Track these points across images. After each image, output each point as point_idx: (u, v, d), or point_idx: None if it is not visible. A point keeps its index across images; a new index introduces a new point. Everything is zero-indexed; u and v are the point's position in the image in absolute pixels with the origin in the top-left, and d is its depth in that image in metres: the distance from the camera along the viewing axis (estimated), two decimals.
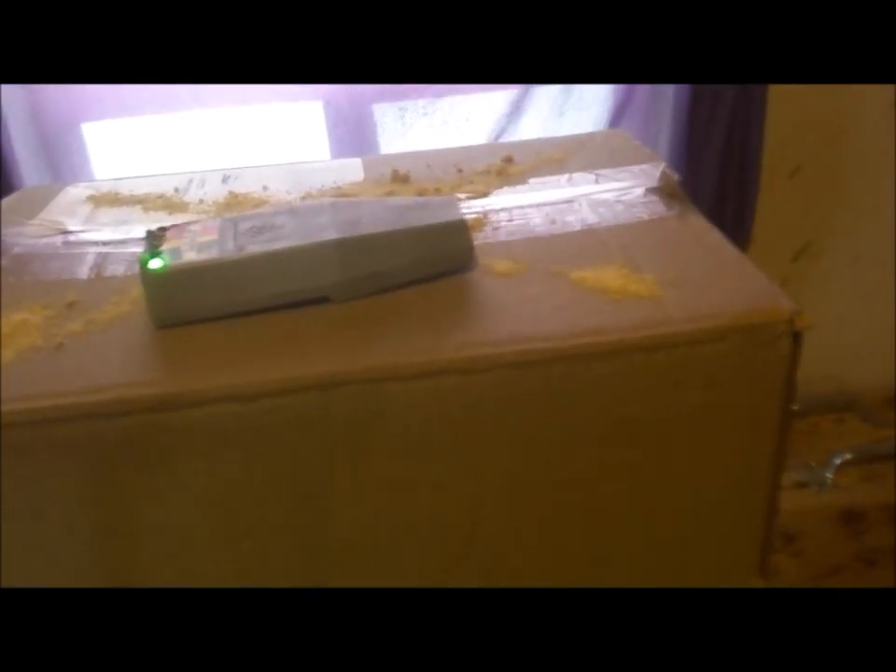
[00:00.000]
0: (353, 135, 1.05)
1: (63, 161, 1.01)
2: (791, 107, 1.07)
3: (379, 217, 0.46)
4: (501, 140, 1.05)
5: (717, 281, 0.44)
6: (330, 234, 0.44)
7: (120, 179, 0.64)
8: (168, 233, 0.46)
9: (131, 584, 0.43)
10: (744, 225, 1.09)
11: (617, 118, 1.05)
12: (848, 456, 1.11)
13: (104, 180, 0.65)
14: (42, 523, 0.41)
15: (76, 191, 0.62)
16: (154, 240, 0.45)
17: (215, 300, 0.44)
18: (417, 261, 0.45)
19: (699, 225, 0.50)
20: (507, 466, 0.43)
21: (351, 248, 0.44)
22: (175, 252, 0.44)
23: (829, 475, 1.09)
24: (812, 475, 1.09)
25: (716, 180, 1.06)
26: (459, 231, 0.46)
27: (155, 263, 0.43)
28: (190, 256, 0.44)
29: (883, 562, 1.10)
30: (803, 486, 1.09)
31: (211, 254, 0.44)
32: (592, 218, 0.51)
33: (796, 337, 0.41)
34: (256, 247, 0.44)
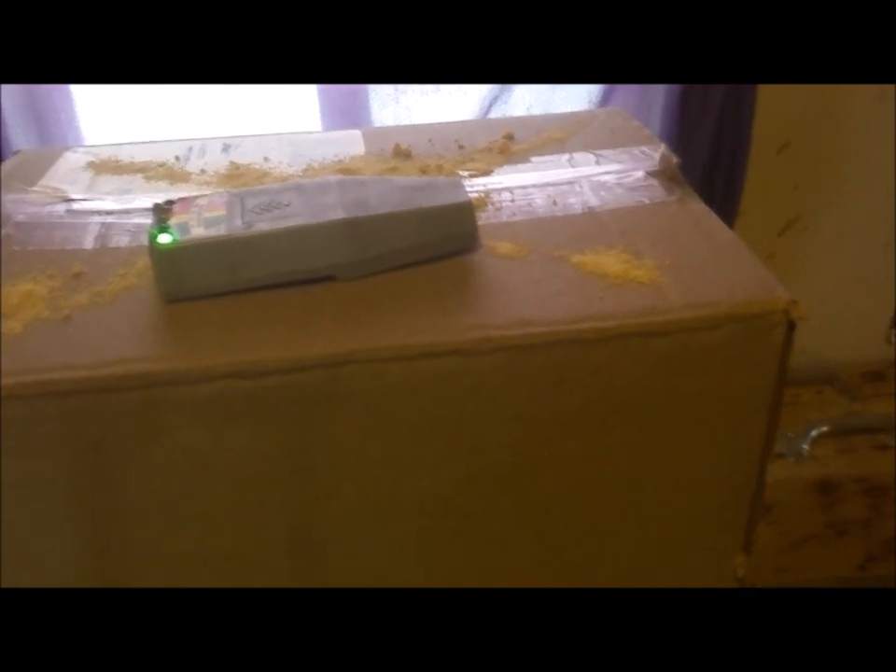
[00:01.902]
0: (344, 98, 1.04)
1: (50, 119, 0.99)
2: (781, 84, 1.08)
3: (386, 197, 0.46)
4: (494, 108, 1.05)
5: (715, 268, 0.45)
6: (338, 214, 0.44)
7: (119, 145, 0.64)
8: (175, 207, 0.46)
9: (135, 559, 0.44)
10: (733, 199, 1.10)
11: (610, 90, 1.05)
12: (825, 429, 1.13)
13: (102, 145, 0.65)
14: (48, 495, 0.42)
15: (74, 157, 0.61)
16: (161, 214, 0.46)
17: (222, 276, 0.44)
18: (424, 242, 0.46)
19: (698, 210, 0.51)
20: (506, 446, 0.44)
21: (359, 229, 0.44)
22: (183, 227, 0.44)
23: (805, 447, 1.12)
24: (789, 446, 1.12)
25: (707, 154, 1.06)
26: (465, 214, 0.46)
27: (164, 238, 0.43)
28: (199, 231, 0.44)
29: (854, 532, 1.13)
30: (780, 457, 1.11)
31: (220, 230, 0.44)
32: (593, 201, 0.52)
33: (790, 326, 0.43)
34: (264, 225, 0.44)
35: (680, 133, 1.04)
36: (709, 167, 1.07)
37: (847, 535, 1.14)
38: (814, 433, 1.13)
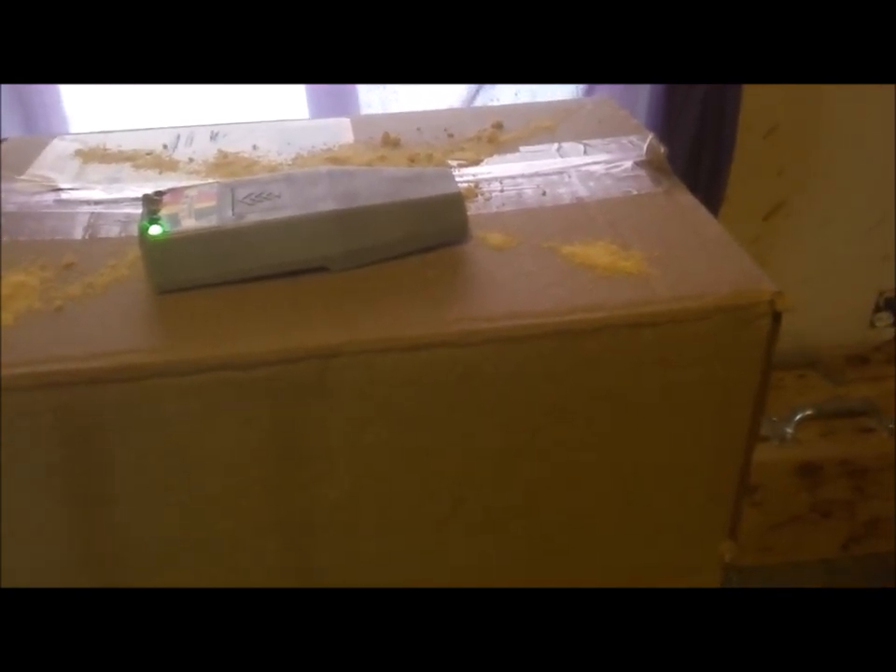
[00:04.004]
0: None
1: (35, 104, 0.98)
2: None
3: (376, 188, 0.46)
4: (482, 92, 1.05)
5: (702, 260, 0.46)
6: (329, 205, 0.45)
7: (106, 132, 0.64)
8: (165, 198, 0.46)
9: (129, 546, 0.45)
10: (718, 183, 1.11)
11: None
12: (809, 412, 1.14)
13: (89, 133, 0.64)
14: (42, 484, 0.42)
15: (62, 145, 0.61)
16: (151, 205, 0.46)
17: (213, 267, 0.44)
18: (414, 233, 0.46)
19: (686, 201, 0.51)
20: (495, 435, 0.44)
21: (349, 220, 0.45)
22: (174, 218, 0.45)
23: (789, 430, 1.13)
24: (773, 429, 1.13)
25: (693, 139, 1.06)
26: (455, 205, 0.47)
27: (155, 230, 0.44)
28: (189, 223, 0.44)
29: (837, 514, 1.15)
30: (764, 440, 1.12)
31: (210, 222, 0.44)
32: (581, 191, 0.52)
33: (776, 317, 0.43)
34: (255, 216, 0.44)
35: (667, 117, 1.04)
36: (696, 151, 1.07)
37: (830, 516, 1.15)
38: (798, 417, 1.14)
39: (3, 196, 0.53)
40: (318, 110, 0.99)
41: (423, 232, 0.46)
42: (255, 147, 0.60)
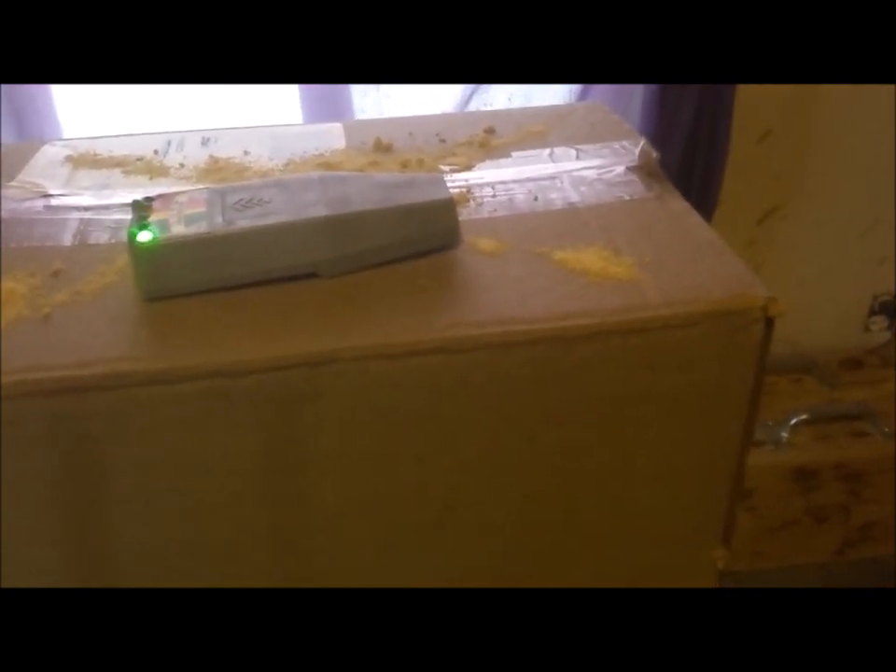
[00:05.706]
0: (324, 84, 1.03)
1: (28, 109, 0.98)
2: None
3: (367, 194, 0.46)
4: (476, 96, 1.05)
5: (694, 265, 0.45)
6: (320, 211, 0.44)
7: (97, 138, 0.63)
8: (154, 204, 0.46)
9: (118, 555, 0.44)
10: (712, 188, 1.11)
11: None
12: (804, 417, 1.14)
13: (79, 139, 0.64)
14: (32, 493, 0.42)
15: (53, 150, 0.61)
16: (141, 211, 0.45)
17: (203, 273, 0.44)
18: (405, 239, 0.46)
19: (678, 207, 0.51)
20: (487, 441, 0.44)
21: (340, 226, 0.44)
22: (163, 224, 0.44)
23: (784, 434, 1.13)
24: (768, 434, 1.13)
25: (686, 144, 1.07)
26: (447, 210, 0.47)
27: (144, 236, 0.43)
28: (179, 229, 0.44)
29: (832, 518, 1.15)
30: (759, 444, 1.12)
31: (200, 228, 0.44)
32: (573, 197, 0.52)
33: (769, 323, 0.43)
34: (245, 222, 0.44)
35: (660, 122, 1.04)
36: (689, 156, 1.07)
37: (825, 520, 1.15)
38: (793, 421, 1.14)
39: None
40: (312, 115, 0.98)
41: (414, 238, 0.46)
42: (246, 153, 0.60)
